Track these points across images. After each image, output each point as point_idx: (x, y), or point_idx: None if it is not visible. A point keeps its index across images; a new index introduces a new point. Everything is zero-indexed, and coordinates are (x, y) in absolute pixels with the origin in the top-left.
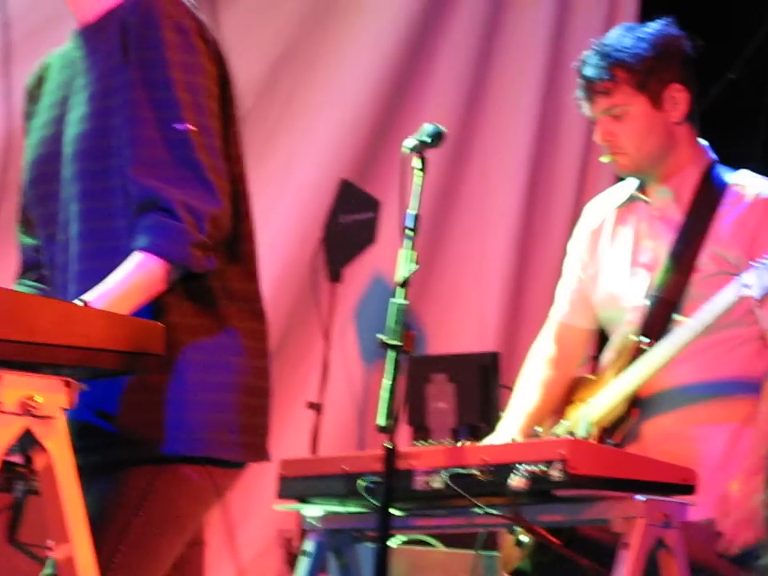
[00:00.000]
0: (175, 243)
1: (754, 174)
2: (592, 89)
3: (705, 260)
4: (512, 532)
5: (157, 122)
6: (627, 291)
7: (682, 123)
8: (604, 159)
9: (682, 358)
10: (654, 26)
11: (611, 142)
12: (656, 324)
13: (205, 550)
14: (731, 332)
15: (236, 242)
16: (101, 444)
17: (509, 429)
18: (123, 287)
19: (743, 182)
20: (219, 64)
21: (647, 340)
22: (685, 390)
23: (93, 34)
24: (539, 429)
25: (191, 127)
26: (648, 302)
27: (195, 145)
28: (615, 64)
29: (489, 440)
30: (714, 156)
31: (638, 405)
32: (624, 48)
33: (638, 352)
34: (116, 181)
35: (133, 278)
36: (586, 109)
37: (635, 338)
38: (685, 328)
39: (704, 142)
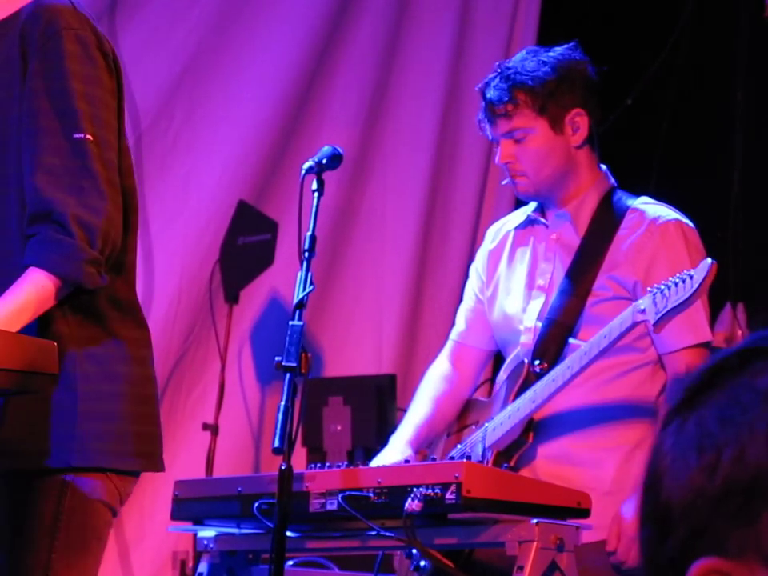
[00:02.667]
0: (69, 260)
1: (654, 200)
2: (493, 111)
3: (601, 284)
4: (409, 557)
5: (56, 131)
6: (522, 313)
7: (582, 147)
8: (504, 182)
9: (575, 383)
10: (558, 51)
11: (511, 165)
12: (550, 347)
13: None
14: (624, 357)
15: (122, 253)
16: None
17: (398, 442)
18: (15, 305)
19: (642, 207)
20: (116, 78)
21: (539, 362)
22: (577, 413)
23: None
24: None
25: (89, 137)
26: (541, 325)
27: (92, 155)
28: (516, 87)
29: (380, 455)
30: (613, 181)
31: (533, 428)
32: (526, 71)
33: (531, 375)
34: (11, 187)
35: (25, 295)
36: (487, 131)
37: (527, 361)
38: (580, 353)
39: (604, 167)
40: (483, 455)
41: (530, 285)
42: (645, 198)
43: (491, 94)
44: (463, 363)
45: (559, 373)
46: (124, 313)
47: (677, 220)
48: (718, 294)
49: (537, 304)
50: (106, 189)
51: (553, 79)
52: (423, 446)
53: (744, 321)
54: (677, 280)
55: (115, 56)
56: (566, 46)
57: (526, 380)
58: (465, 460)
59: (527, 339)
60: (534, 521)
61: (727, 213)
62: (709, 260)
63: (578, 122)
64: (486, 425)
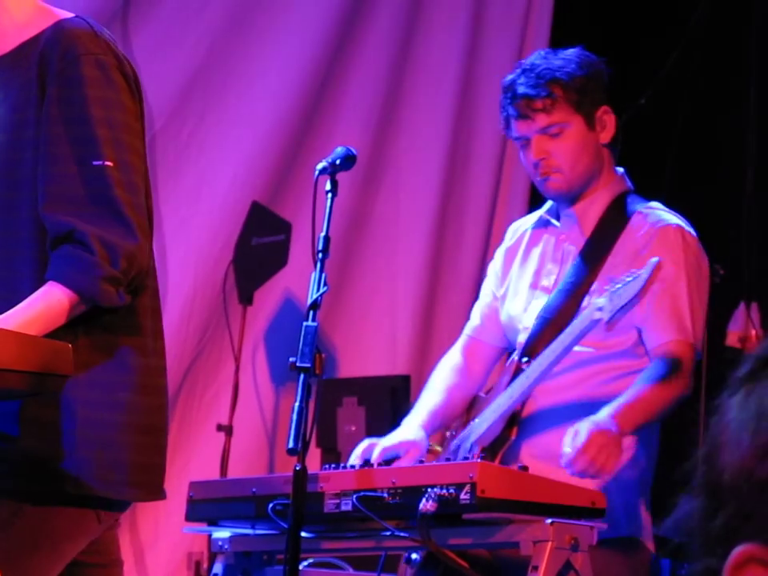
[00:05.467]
0: (85, 275)
1: (663, 205)
2: (530, 106)
3: (598, 286)
4: (408, 562)
5: (74, 158)
6: (523, 313)
7: (607, 146)
8: (539, 178)
9: (569, 384)
10: (573, 51)
11: (546, 161)
12: (538, 345)
13: (122, 569)
14: (621, 361)
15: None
16: None
17: (412, 424)
18: (26, 315)
19: (646, 210)
20: (139, 100)
21: (526, 360)
22: (564, 409)
23: (9, 65)
24: (438, 447)
25: (109, 163)
26: (535, 323)
27: (113, 181)
28: (553, 82)
29: (393, 434)
30: (629, 184)
31: (516, 424)
32: (557, 67)
33: (519, 372)
34: (23, 214)
35: (38, 306)
36: (515, 129)
37: (517, 359)
38: (549, 351)
39: (620, 170)
40: (471, 450)
41: (535, 285)
42: (653, 203)
43: (524, 90)
44: (475, 358)
45: (531, 369)
46: (140, 338)
47: (678, 225)
48: (732, 294)
49: (538, 304)
50: (127, 212)
51: (583, 75)
52: (435, 431)
53: (758, 320)
54: (629, 278)
55: (137, 77)
56: (575, 48)
57: (513, 377)
58: (476, 460)
59: (523, 339)
60: (549, 521)
61: (741, 212)
62: (655, 259)
63: (606, 120)
64: (477, 419)
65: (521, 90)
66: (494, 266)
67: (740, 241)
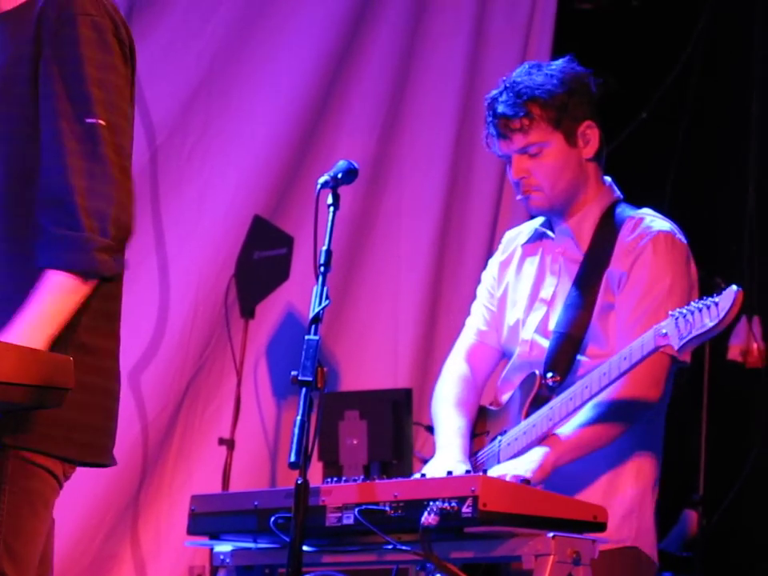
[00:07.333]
0: (78, 253)
1: (654, 211)
2: (508, 126)
3: (602, 295)
4: (423, 569)
5: (71, 114)
6: (521, 325)
7: (591, 160)
8: (518, 197)
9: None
10: (559, 64)
11: (526, 180)
12: (561, 360)
13: None
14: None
15: None
16: None
17: (457, 452)
18: (39, 314)
19: (639, 215)
20: (131, 66)
21: (552, 375)
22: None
23: (9, 23)
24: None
25: (102, 122)
26: (538, 337)
27: (105, 140)
28: (531, 101)
29: (441, 463)
30: (618, 193)
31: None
32: (537, 85)
33: (543, 387)
34: (18, 172)
35: (48, 300)
36: (497, 147)
37: (539, 373)
38: (599, 373)
39: (608, 179)
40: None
41: (534, 297)
42: (645, 210)
43: (503, 109)
44: (480, 364)
45: (577, 392)
46: (94, 321)
47: (667, 231)
48: None
49: (536, 316)
50: (116, 175)
51: (564, 92)
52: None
53: (760, 334)
54: (700, 306)
55: (132, 43)
56: (563, 59)
57: (538, 392)
58: (478, 473)
59: (524, 350)
60: (551, 534)
61: (742, 226)
62: (734, 287)
63: (589, 135)
64: (500, 438)
65: (500, 109)
66: (490, 274)
67: (741, 254)
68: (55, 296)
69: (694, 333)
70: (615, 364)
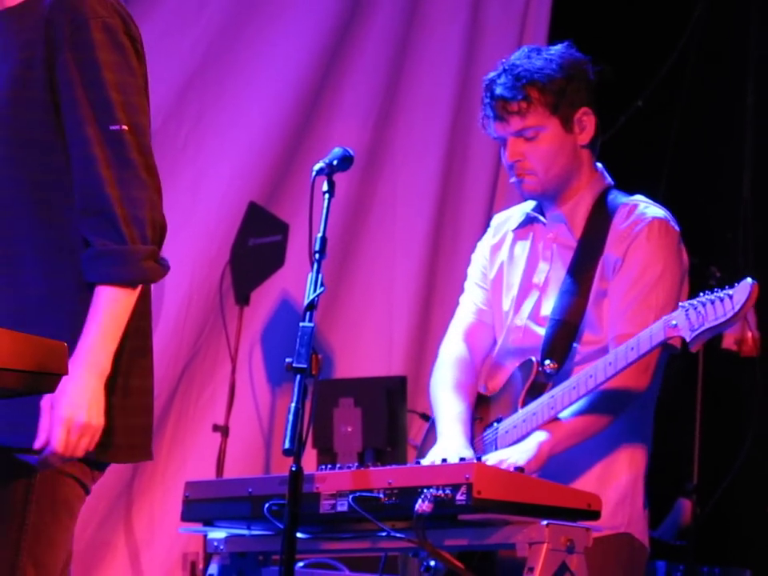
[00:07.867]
0: (125, 267)
1: (647, 198)
2: (505, 108)
3: (597, 281)
4: (416, 556)
5: (95, 122)
6: (516, 310)
7: (586, 147)
8: (511, 180)
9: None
10: (558, 49)
11: (520, 163)
12: (557, 347)
13: None
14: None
15: None
16: None
17: (460, 438)
18: (104, 334)
19: (632, 202)
20: (143, 60)
21: (549, 362)
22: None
23: (13, 20)
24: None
25: (125, 127)
26: (530, 323)
27: (130, 145)
28: (530, 84)
29: (442, 449)
30: (609, 180)
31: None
32: (536, 68)
33: (541, 374)
34: (22, 178)
35: (107, 319)
36: (492, 129)
37: (536, 360)
38: (604, 363)
39: (600, 166)
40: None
41: (526, 282)
42: (638, 197)
43: (501, 91)
44: (479, 343)
45: (581, 381)
46: (138, 322)
47: (660, 218)
48: None
49: (530, 302)
50: (144, 176)
51: (562, 77)
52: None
53: (754, 323)
54: (713, 298)
55: (140, 38)
56: (562, 44)
57: (535, 380)
58: (472, 460)
59: (516, 336)
60: (545, 522)
61: (737, 214)
62: (749, 280)
63: (585, 121)
64: (497, 425)
65: (498, 90)
66: (481, 255)
67: (736, 242)
68: (112, 310)
69: (707, 325)
70: (622, 354)
